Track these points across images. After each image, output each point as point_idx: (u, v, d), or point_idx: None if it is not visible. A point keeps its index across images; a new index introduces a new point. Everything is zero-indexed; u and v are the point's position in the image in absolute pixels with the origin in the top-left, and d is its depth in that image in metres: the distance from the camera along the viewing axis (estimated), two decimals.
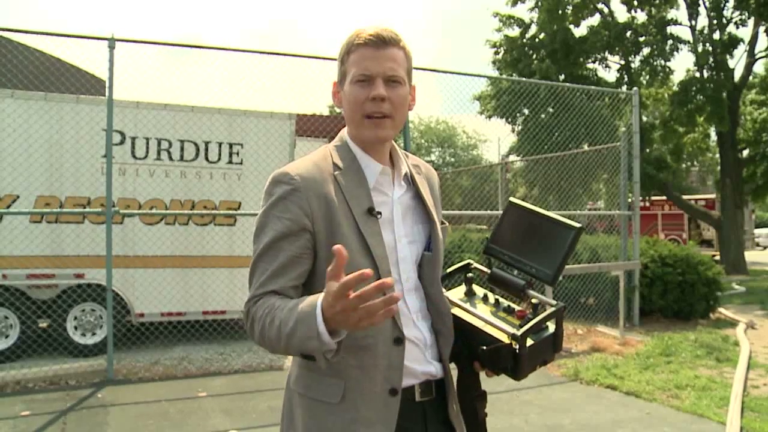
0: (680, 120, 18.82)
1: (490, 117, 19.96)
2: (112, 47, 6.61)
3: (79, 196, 7.82)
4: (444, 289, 1.83)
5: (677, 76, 24.77)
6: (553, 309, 1.74)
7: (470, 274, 1.92)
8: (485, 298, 1.86)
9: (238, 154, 8.68)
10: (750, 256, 21.81)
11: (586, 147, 13.45)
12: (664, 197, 22.84)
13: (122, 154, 8.01)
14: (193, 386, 6.52)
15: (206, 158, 8.46)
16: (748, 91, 21.18)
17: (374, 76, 1.67)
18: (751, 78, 20.66)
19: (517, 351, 1.66)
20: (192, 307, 8.29)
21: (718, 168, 22.46)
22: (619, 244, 10.22)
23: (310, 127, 11.94)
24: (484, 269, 1.91)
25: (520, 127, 20.27)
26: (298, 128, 10.32)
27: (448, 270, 1.93)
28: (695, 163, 38.62)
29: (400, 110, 1.71)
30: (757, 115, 19.87)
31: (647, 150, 19.61)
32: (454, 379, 1.85)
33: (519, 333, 1.65)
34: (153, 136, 8.19)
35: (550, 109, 18.12)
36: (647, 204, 24.43)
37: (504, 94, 18.58)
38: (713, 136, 23.23)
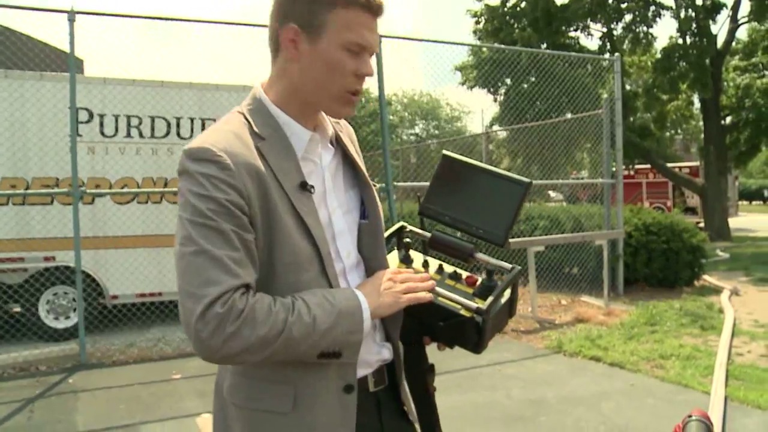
0: (663, 87, 18.67)
1: (471, 87, 19.74)
2: (72, 20, 6.32)
3: (47, 176, 7.56)
4: None
5: (660, 43, 24.60)
6: (512, 274, 1.57)
7: (406, 239, 1.71)
8: (426, 265, 1.67)
9: None
10: (734, 222, 21.83)
11: (569, 116, 13.27)
12: (649, 165, 22.77)
13: (90, 132, 7.75)
14: (168, 368, 6.35)
15: (178, 134, 8.20)
16: (731, 58, 21.07)
17: (368, 49, 1.46)
18: (734, 44, 20.50)
19: (481, 325, 1.50)
20: (168, 288, 8.08)
21: (702, 136, 22.40)
22: (602, 213, 10.09)
23: None
24: (422, 232, 1.71)
25: (502, 98, 20.06)
26: None
27: (386, 234, 1.71)
28: (679, 131, 38.62)
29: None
30: (740, 81, 19.77)
31: (631, 118, 19.48)
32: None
33: (485, 307, 1.49)
34: (122, 113, 7.92)
35: (532, 79, 17.91)
36: (631, 172, 24.37)
37: (485, 64, 18.32)
38: (696, 104, 23.14)
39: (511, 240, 8.80)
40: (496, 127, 20.74)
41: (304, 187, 1.44)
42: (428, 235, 1.67)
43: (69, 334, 7.61)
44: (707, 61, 18.08)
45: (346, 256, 1.52)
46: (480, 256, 1.61)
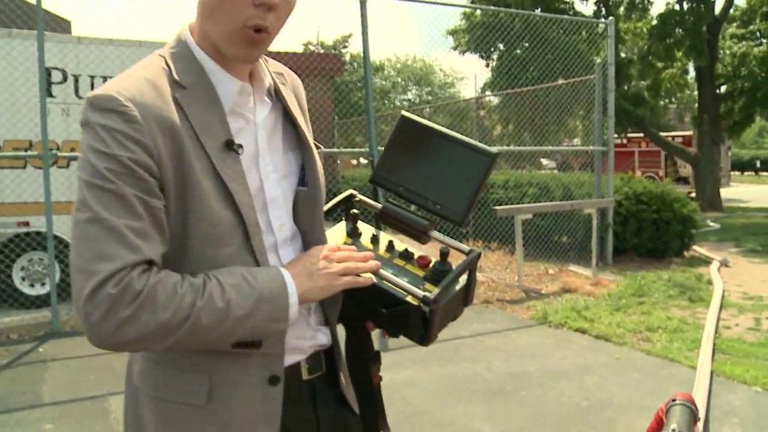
0: (658, 54, 18.37)
1: (464, 52, 19.39)
2: None
3: (19, 139, 7.29)
4: None
5: (656, 9, 24.15)
6: (468, 258, 1.38)
7: (354, 210, 1.52)
8: (375, 240, 1.48)
9: None
10: (725, 192, 21.71)
11: (561, 82, 13.01)
12: (641, 134, 22.55)
13: (64, 93, 7.46)
14: None
15: None
16: (728, 25, 20.70)
17: None
18: (731, 11, 20.15)
19: (428, 315, 1.31)
20: None
21: (696, 105, 22.16)
22: (592, 181, 9.91)
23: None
24: (373, 203, 1.52)
25: (495, 63, 19.73)
26: None
27: (327, 205, 1.54)
28: (673, 100, 38.30)
29: (282, 23, 1.26)
30: (737, 49, 19.45)
31: (625, 86, 19.21)
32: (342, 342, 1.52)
33: (433, 296, 1.29)
34: (98, 74, 7.63)
35: (526, 44, 17.58)
36: (624, 141, 24.16)
37: (478, 29, 17.97)
38: (691, 72, 22.85)
39: (498, 207, 8.70)
40: (488, 93, 20.43)
41: (230, 146, 1.24)
42: (379, 206, 1.48)
43: (43, 301, 7.41)
44: (704, 28, 17.78)
45: (279, 228, 1.32)
46: (435, 234, 1.42)
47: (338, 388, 1.45)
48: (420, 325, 1.33)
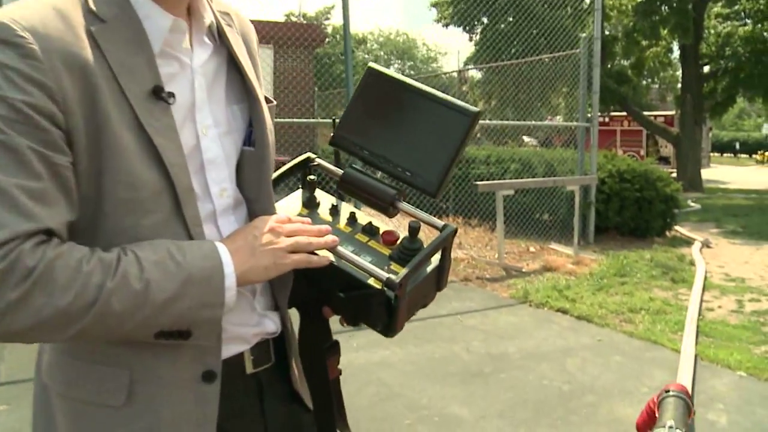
0: (643, 32, 18.16)
1: (447, 25, 19.04)
2: None
3: None
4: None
5: None
6: (442, 235, 1.17)
7: (311, 176, 1.31)
8: (335, 212, 1.27)
9: None
10: (705, 173, 21.70)
11: (545, 56, 12.77)
12: (623, 113, 22.47)
13: None
14: None
15: None
16: (713, 4, 20.53)
17: None
18: None
19: (393, 302, 1.11)
20: None
21: (678, 85, 22.08)
22: (575, 158, 9.73)
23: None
24: (334, 169, 1.30)
25: (478, 37, 19.43)
26: None
27: (280, 170, 1.32)
28: (655, 79, 38.27)
29: None
30: (722, 28, 19.33)
31: (608, 64, 19.03)
32: (296, 328, 1.30)
33: (398, 279, 1.08)
34: None
35: (510, 18, 17.30)
36: (606, 119, 24.07)
37: (462, 1, 17.64)
38: (675, 51, 22.73)
39: (479, 183, 8.49)
40: (471, 66, 20.15)
41: (158, 93, 1.00)
42: (340, 172, 1.26)
43: None
44: (690, 6, 17.59)
45: (219, 194, 1.10)
46: (404, 206, 1.20)
47: (290, 383, 1.24)
48: (383, 312, 1.12)
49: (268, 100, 1.22)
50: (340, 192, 1.27)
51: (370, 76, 1.24)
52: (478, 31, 19.34)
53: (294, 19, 35.85)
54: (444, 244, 1.17)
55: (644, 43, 19.71)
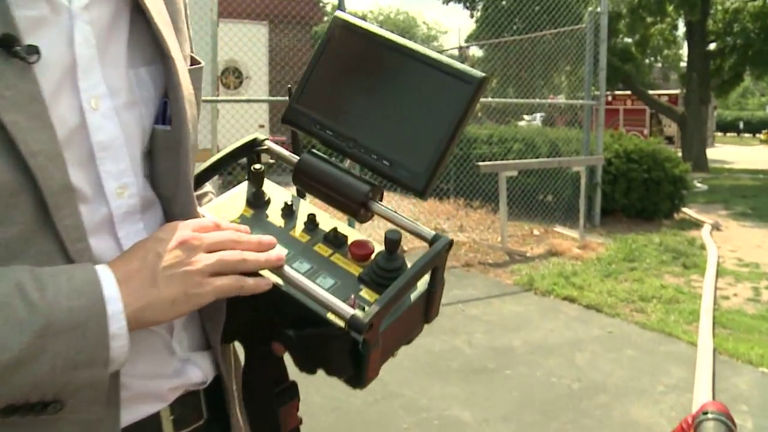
0: (649, 8, 17.70)
1: (447, 2, 18.57)
2: None
3: None
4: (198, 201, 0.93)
5: None
6: (432, 251, 0.83)
7: (258, 166, 0.95)
8: (288, 213, 0.93)
9: None
10: (710, 153, 21.30)
11: (548, 32, 12.36)
12: (626, 92, 22.04)
13: None
14: None
15: None
16: None
17: None
18: None
19: (360, 347, 0.78)
20: None
21: (681, 64, 21.66)
22: (581, 137, 9.37)
23: (237, 7, 10.57)
24: (287, 154, 0.95)
25: (479, 14, 18.96)
26: (221, 8, 9.08)
27: (215, 156, 0.98)
28: (658, 58, 37.74)
29: None
30: (729, 4, 18.82)
31: (612, 42, 18.58)
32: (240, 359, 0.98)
33: (366, 319, 0.75)
34: None
35: None
36: (609, 98, 23.66)
37: None
38: (681, 29, 22.26)
39: (481, 164, 8.14)
40: (472, 43, 19.70)
41: (9, 46, 0.66)
42: (296, 159, 0.92)
43: None
44: None
45: (118, 193, 0.77)
46: (380, 209, 0.88)
47: None
48: (347, 359, 0.80)
49: (194, 61, 0.89)
50: (295, 184, 0.93)
51: (337, 29, 0.90)
52: (479, 7, 18.86)
53: None
54: (435, 263, 0.84)
55: (649, 19, 19.23)
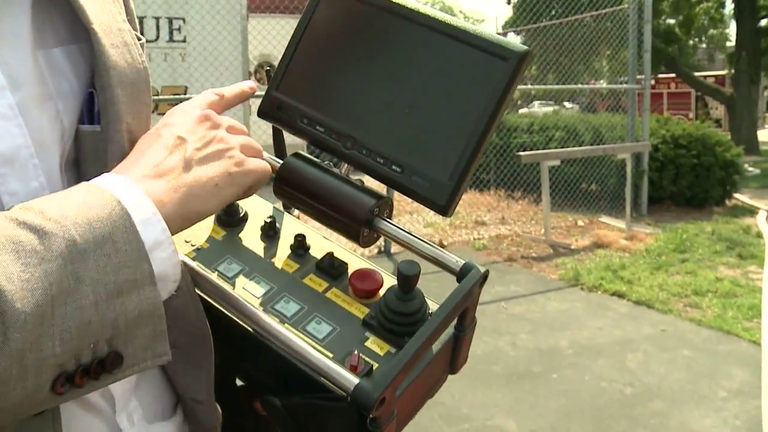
0: None
1: None
2: None
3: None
4: None
5: None
6: (461, 290, 0.63)
7: None
8: (270, 233, 0.74)
9: (180, 30, 7.38)
10: (761, 134, 20.55)
11: (588, 15, 11.97)
12: (670, 75, 21.39)
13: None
14: None
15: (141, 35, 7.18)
16: None
17: None
18: None
19: (369, 424, 0.58)
20: None
21: (728, 43, 20.92)
22: (625, 123, 8.99)
23: (270, 2, 10.43)
24: (268, 159, 0.72)
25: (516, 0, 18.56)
26: (255, 3, 8.98)
27: None
28: (703, 38, 36.68)
29: None
30: None
31: (655, 22, 18.01)
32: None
33: (377, 393, 0.56)
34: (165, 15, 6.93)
35: None
36: (653, 82, 23.01)
37: None
38: (728, 6, 21.48)
39: (522, 153, 7.85)
40: (509, 29, 19.31)
41: None
42: (277, 163, 0.72)
43: None
44: None
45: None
46: (389, 228, 0.68)
47: None
48: None
49: (137, 37, 0.68)
50: (279, 198, 0.73)
51: None
52: None
53: None
54: (466, 304, 0.64)
55: None
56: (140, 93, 0.65)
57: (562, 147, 9.00)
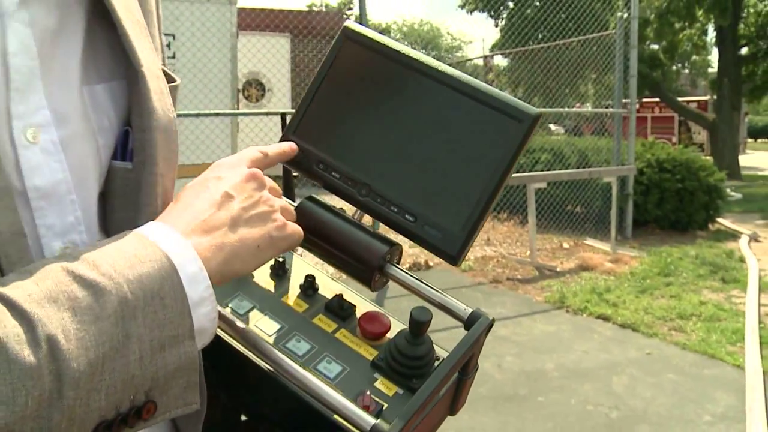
0: (678, 12, 17.34)
1: (471, 11, 18.39)
2: None
3: None
4: None
5: None
6: (469, 337, 0.67)
7: None
8: (279, 272, 0.75)
9: (169, 46, 7.34)
10: (742, 160, 20.80)
11: (575, 39, 12.12)
12: (654, 99, 21.67)
13: None
14: None
15: None
16: None
17: None
18: None
19: None
20: None
21: (710, 69, 21.26)
22: (611, 146, 9.08)
23: (260, 21, 10.51)
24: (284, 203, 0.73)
25: (504, 23, 18.76)
26: (245, 22, 9.01)
27: None
28: (686, 64, 37.19)
29: None
30: (762, 7, 18.39)
31: (639, 47, 18.27)
32: None
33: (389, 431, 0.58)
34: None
35: (537, 3, 16.61)
36: (637, 106, 23.29)
37: None
38: (710, 34, 21.82)
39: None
40: (496, 52, 19.50)
41: None
42: (292, 206, 0.73)
43: None
44: None
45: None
46: (399, 273, 0.70)
47: None
48: None
49: (169, 78, 0.69)
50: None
51: (347, 43, 0.72)
52: (504, 16, 18.65)
53: (316, 9, 35.44)
54: (474, 351, 0.68)
55: (678, 25, 18.85)
56: (171, 140, 0.66)
57: (549, 169, 9.06)
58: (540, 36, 16.50)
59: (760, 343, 4.65)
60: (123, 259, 0.51)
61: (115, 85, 0.63)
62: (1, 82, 0.53)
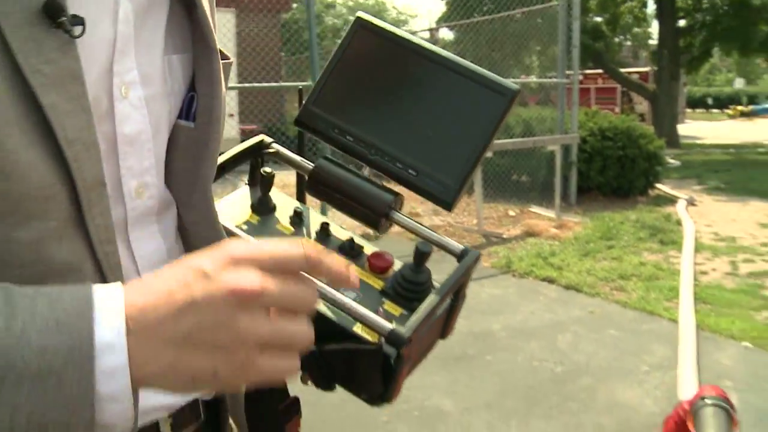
0: None
1: None
2: None
3: None
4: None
5: None
6: (462, 266, 0.80)
7: (267, 169, 0.86)
8: (298, 220, 0.86)
9: None
10: (681, 129, 21.44)
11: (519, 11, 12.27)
12: (597, 71, 22.08)
13: None
14: None
15: None
16: None
17: None
18: None
19: (393, 363, 0.72)
20: None
21: (651, 41, 21.76)
22: (555, 116, 9.28)
23: None
24: (296, 159, 0.89)
25: None
26: None
27: (223, 158, 0.88)
28: (628, 36, 37.90)
29: None
30: None
31: (583, 19, 18.57)
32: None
33: (407, 333, 0.69)
34: None
35: None
36: (581, 77, 23.70)
37: None
38: (650, 7, 22.29)
39: None
40: (442, 25, 19.57)
41: (55, 14, 0.54)
42: (309, 166, 0.86)
43: None
44: None
45: (137, 193, 0.69)
46: (402, 218, 0.83)
47: None
48: (377, 376, 0.74)
49: (222, 56, 0.78)
50: (304, 192, 0.90)
51: (360, 31, 0.85)
52: None
53: None
54: (465, 279, 0.81)
55: None
56: (224, 107, 0.77)
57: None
58: (485, 8, 16.62)
59: (694, 299, 4.90)
60: (43, 321, 0.46)
61: (186, 57, 0.73)
62: (110, 43, 0.62)
